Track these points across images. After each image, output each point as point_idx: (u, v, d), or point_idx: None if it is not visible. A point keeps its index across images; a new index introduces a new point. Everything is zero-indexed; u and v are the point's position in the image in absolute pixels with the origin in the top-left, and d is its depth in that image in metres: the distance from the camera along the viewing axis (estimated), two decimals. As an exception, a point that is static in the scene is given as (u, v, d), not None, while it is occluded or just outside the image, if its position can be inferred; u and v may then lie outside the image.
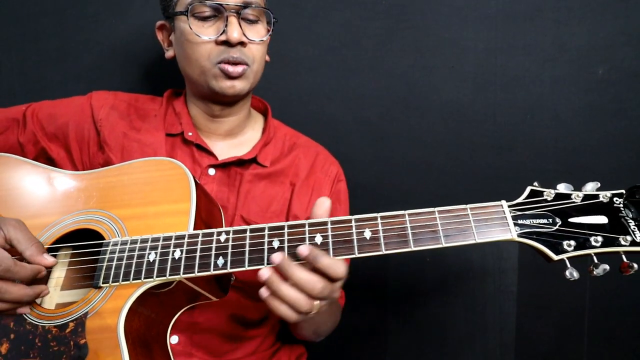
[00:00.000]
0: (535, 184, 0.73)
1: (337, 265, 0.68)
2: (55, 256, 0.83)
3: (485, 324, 1.21)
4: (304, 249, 0.68)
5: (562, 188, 0.71)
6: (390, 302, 1.24)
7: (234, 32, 0.88)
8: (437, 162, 1.21)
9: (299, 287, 0.67)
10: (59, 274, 0.83)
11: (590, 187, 0.71)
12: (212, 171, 0.96)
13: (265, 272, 0.68)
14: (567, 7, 1.16)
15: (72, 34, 1.24)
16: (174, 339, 0.89)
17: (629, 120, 1.16)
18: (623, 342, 1.19)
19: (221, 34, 0.89)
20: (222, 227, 0.85)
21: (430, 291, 1.24)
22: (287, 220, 0.97)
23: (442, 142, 1.21)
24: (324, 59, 1.23)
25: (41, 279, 0.78)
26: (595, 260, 0.66)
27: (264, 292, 0.69)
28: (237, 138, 1.03)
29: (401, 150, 1.22)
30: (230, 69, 0.90)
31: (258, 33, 0.94)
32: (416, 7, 1.21)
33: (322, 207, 0.73)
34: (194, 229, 0.76)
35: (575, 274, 0.66)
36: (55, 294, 0.81)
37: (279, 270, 0.68)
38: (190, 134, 0.97)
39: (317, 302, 0.69)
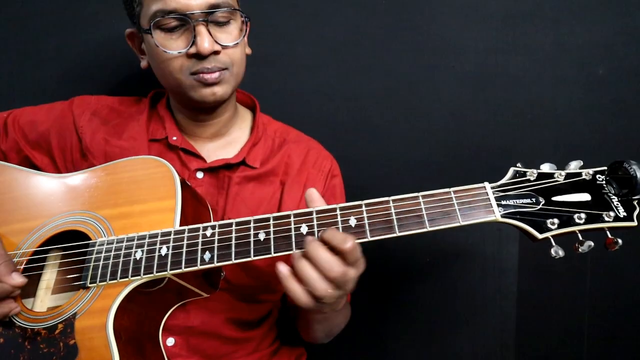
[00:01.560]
0: (519, 164, 0.73)
1: (347, 241, 0.66)
2: (44, 259, 0.83)
3: (485, 324, 1.21)
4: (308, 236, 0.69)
5: (546, 168, 0.72)
6: (390, 303, 1.24)
7: (205, 43, 0.83)
8: (437, 162, 1.21)
9: (317, 267, 0.67)
10: (49, 277, 0.83)
11: (573, 166, 0.71)
12: (200, 174, 0.94)
13: (296, 253, 0.69)
14: (567, 7, 1.16)
15: (72, 34, 1.25)
16: (169, 341, 0.88)
17: (629, 120, 1.16)
18: (623, 342, 1.19)
19: (191, 46, 0.84)
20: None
21: (430, 291, 1.24)
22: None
23: (442, 142, 1.21)
24: (324, 59, 1.23)
25: (30, 285, 0.77)
26: (580, 238, 0.67)
27: (282, 269, 0.69)
28: (224, 138, 1.00)
29: (401, 150, 1.22)
30: (207, 76, 0.86)
31: (231, 35, 0.88)
32: (416, 7, 1.21)
33: (312, 199, 0.74)
34: (181, 225, 0.76)
35: (561, 252, 0.66)
36: (46, 298, 0.81)
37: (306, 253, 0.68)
38: (174, 138, 0.95)
39: (331, 290, 0.68)
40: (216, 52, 0.86)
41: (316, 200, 0.74)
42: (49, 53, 1.25)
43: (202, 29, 0.83)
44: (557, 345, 1.20)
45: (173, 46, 0.85)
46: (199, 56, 0.84)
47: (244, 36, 0.90)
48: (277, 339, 1.03)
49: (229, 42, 0.87)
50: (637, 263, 1.17)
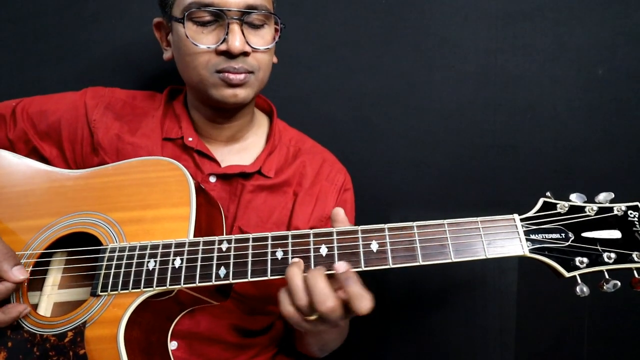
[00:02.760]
0: (548, 194, 0.71)
1: (364, 300, 0.65)
2: (49, 262, 0.82)
3: (485, 324, 1.21)
4: (342, 266, 0.66)
5: (575, 198, 0.70)
6: (389, 303, 1.24)
7: (236, 42, 0.81)
8: (437, 162, 1.21)
9: (311, 295, 0.65)
10: (54, 279, 0.82)
11: (603, 197, 0.69)
12: (213, 179, 0.92)
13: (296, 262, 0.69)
14: (567, 7, 1.16)
15: (72, 34, 1.24)
16: (172, 345, 0.86)
17: (629, 120, 1.16)
18: (623, 342, 1.19)
19: (222, 43, 0.82)
20: (222, 229, 0.84)
21: (430, 291, 1.24)
22: (287, 230, 0.95)
23: (442, 142, 1.21)
24: (324, 59, 1.23)
25: (36, 282, 0.77)
26: (607, 276, 0.65)
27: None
28: (239, 143, 0.98)
29: (401, 150, 1.22)
30: (232, 76, 0.84)
31: (263, 39, 0.87)
32: (416, 6, 1.20)
33: (336, 219, 0.72)
34: (194, 234, 0.74)
35: (586, 290, 0.65)
36: (53, 294, 0.80)
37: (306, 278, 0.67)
38: (190, 139, 0.93)
39: (312, 317, 0.66)
40: (245, 54, 0.84)
41: (341, 221, 0.73)
42: (50, 53, 1.25)
43: (235, 28, 0.82)
44: (557, 345, 1.20)
45: (203, 40, 0.83)
46: (228, 54, 0.83)
47: (275, 42, 0.89)
48: (277, 346, 1.02)
49: (260, 46, 0.86)
50: (637, 263, 1.17)
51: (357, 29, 1.22)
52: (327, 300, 0.64)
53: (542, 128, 1.18)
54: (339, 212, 0.73)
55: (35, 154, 0.95)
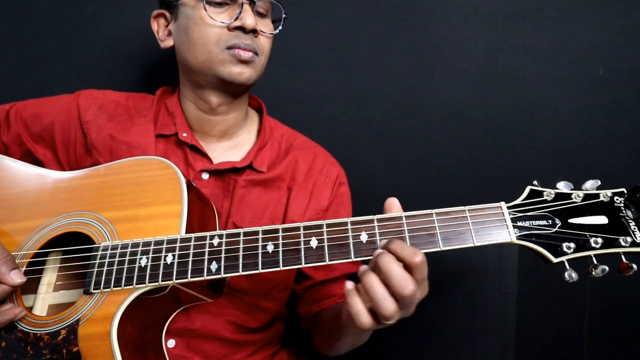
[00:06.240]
0: (535, 182, 0.71)
1: (417, 253, 0.63)
2: (44, 261, 0.82)
3: (485, 324, 1.21)
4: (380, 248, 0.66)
5: (562, 186, 0.70)
6: (390, 302, 1.24)
7: (249, 19, 0.87)
8: (437, 162, 1.21)
9: (388, 283, 0.62)
10: (49, 279, 0.82)
11: (590, 185, 0.70)
12: (205, 175, 0.93)
13: (364, 267, 0.65)
14: (567, 7, 1.16)
15: (72, 34, 1.24)
16: (170, 343, 0.87)
17: (629, 120, 1.16)
18: (623, 342, 1.19)
19: (235, 20, 0.88)
20: (215, 227, 0.85)
21: (430, 291, 1.23)
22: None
23: (442, 142, 1.21)
24: (324, 59, 1.23)
25: (31, 284, 0.77)
26: (595, 262, 0.65)
27: (349, 285, 0.66)
28: (231, 140, 0.99)
29: (401, 150, 1.22)
30: (242, 52, 0.88)
31: (267, 26, 0.94)
32: (416, 6, 1.21)
33: (390, 206, 0.71)
34: (187, 231, 0.74)
35: (574, 276, 0.65)
36: (47, 297, 0.81)
37: (376, 266, 0.64)
38: (184, 134, 0.94)
39: (396, 311, 0.63)
40: (255, 33, 0.90)
41: (396, 210, 0.71)
42: (49, 53, 1.25)
43: (248, 7, 0.89)
44: (557, 345, 1.20)
45: (218, 18, 0.89)
46: (242, 29, 0.88)
47: (279, 28, 0.95)
48: (278, 344, 1.02)
49: (266, 30, 0.93)
50: (637, 263, 1.17)
51: (357, 29, 1.22)
52: (407, 283, 0.63)
53: (542, 128, 1.18)
54: (394, 203, 0.72)
55: (29, 156, 0.96)
